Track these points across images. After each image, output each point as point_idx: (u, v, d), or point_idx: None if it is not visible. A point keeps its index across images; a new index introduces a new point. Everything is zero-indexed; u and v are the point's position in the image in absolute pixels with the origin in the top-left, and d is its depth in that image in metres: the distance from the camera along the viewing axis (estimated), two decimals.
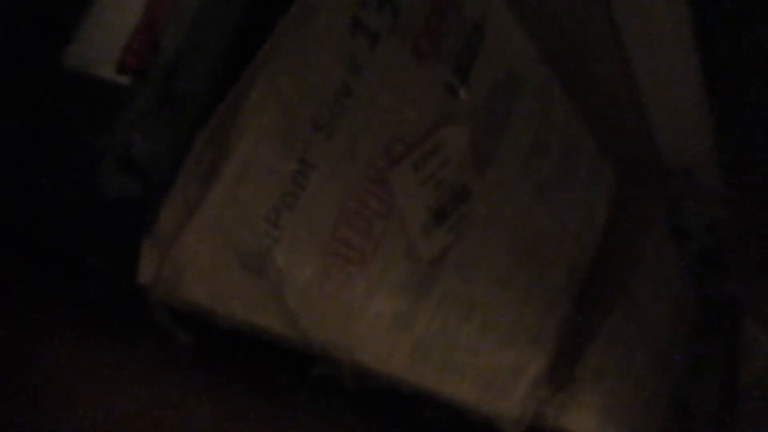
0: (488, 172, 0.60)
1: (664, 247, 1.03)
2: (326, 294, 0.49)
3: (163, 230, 0.38)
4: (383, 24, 0.46)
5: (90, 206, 0.38)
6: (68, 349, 0.46)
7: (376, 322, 0.54)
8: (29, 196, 0.39)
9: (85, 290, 0.43)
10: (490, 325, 0.68)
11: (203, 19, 0.39)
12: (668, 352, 1.20)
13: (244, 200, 0.41)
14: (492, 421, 0.75)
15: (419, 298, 0.57)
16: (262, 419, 0.57)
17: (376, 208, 0.50)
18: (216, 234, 0.41)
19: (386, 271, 0.53)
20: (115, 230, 0.39)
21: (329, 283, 0.49)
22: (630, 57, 0.82)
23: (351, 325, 0.52)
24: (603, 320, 0.87)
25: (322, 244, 0.47)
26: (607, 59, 0.81)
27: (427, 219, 0.55)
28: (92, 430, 0.46)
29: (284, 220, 0.44)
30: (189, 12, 0.39)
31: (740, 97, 0.93)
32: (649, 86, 0.87)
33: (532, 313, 0.75)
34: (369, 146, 0.48)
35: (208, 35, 0.40)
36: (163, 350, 0.47)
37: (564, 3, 0.71)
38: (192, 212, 0.39)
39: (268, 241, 0.44)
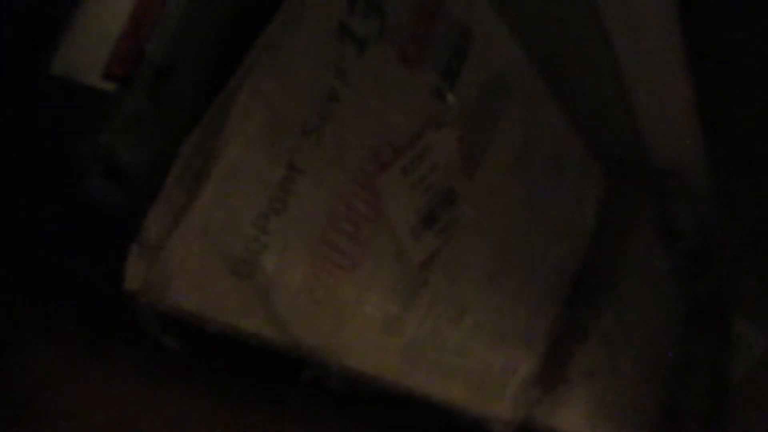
0: (477, 176, 0.60)
1: (654, 247, 1.04)
2: (315, 299, 0.49)
3: (150, 237, 0.38)
4: (371, 30, 0.46)
5: (75, 213, 0.38)
6: (55, 356, 0.46)
7: (366, 326, 0.54)
8: (14, 203, 0.39)
9: (72, 297, 0.43)
10: (480, 327, 0.68)
11: (189, 25, 0.39)
12: (658, 352, 1.20)
13: (232, 206, 0.41)
14: (483, 423, 0.75)
15: (409, 302, 0.57)
16: (252, 424, 0.57)
17: (364, 213, 0.50)
18: (204, 240, 0.41)
19: (375, 275, 0.53)
20: (101, 237, 0.39)
21: (318, 287, 0.49)
22: (618, 57, 0.82)
23: (341, 330, 0.52)
24: (593, 321, 0.87)
25: (311, 249, 0.47)
26: (594, 60, 0.81)
27: (416, 223, 0.55)
28: None
29: (273, 226, 0.44)
30: (175, 18, 0.39)
31: (729, 96, 0.94)
32: (637, 87, 0.88)
33: (522, 314, 0.75)
34: (357, 151, 0.48)
35: (194, 41, 0.39)
36: (151, 357, 0.47)
37: (551, 5, 0.71)
38: (179, 218, 0.39)
39: (256, 247, 0.44)
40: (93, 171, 0.37)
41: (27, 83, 0.40)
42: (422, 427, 0.72)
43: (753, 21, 0.81)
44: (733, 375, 1.33)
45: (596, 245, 0.87)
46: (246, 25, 0.40)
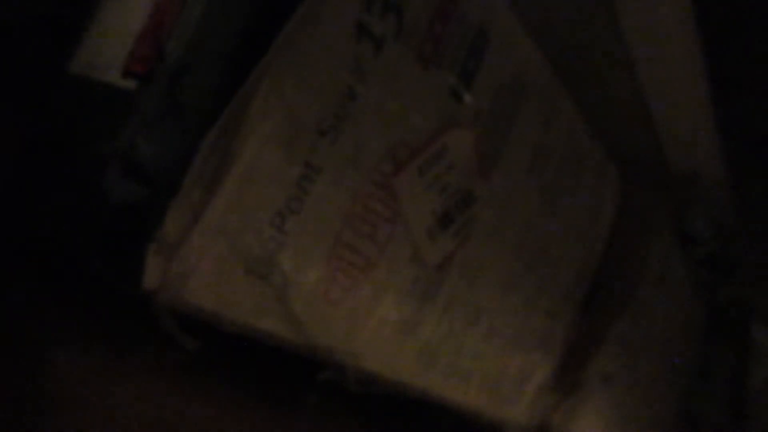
0: (493, 177, 0.60)
1: (671, 252, 1.03)
2: (331, 299, 0.49)
3: (168, 236, 0.38)
4: (388, 29, 0.46)
5: (95, 212, 0.38)
6: (73, 355, 0.46)
7: (382, 328, 0.54)
8: (34, 201, 0.39)
9: (91, 296, 0.43)
10: (496, 331, 0.68)
11: (208, 24, 0.39)
12: (676, 358, 1.19)
13: (249, 205, 0.41)
14: (498, 427, 0.75)
15: (425, 303, 0.57)
16: (268, 425, 0.57)
17: (381, 213, 0.50)
18: (221, 239, 0.41)
19: (392, 276, 0.53)
20: (120, 236, 0.39)
21: (334, 287, 0.49)
22: (635, 61, 0.82)
23: (356, 331, 0.52)
24: (610, 326, 0.86)
25: (327, 248, 0.47)
26: (612, 63, 0.81)
27: (433, 223, 0.55)
28: None
29: (289, 225, 0.44)
30: (194, 17, 0.39)
31: (746, 102, 0.93)
32: (654, 91, 0.87)
33: (539, 318, 0.74)
34: (374, 151, 0.48)
35: (213, 41, 0.40)
36: (169, 356, 0.47)
37: (569, 7, 0.71)
38: (197, 217, 0.39)
39: (273, 246, 0.44)
40: (112, 169, 0.37)
41: (47, 82, 0.40)
42: (437, 430, 0.72)
43: None
44: (752, 382, 1.31)
45: (613, 249, 0.86)
46: (264, 25, 0.40)
